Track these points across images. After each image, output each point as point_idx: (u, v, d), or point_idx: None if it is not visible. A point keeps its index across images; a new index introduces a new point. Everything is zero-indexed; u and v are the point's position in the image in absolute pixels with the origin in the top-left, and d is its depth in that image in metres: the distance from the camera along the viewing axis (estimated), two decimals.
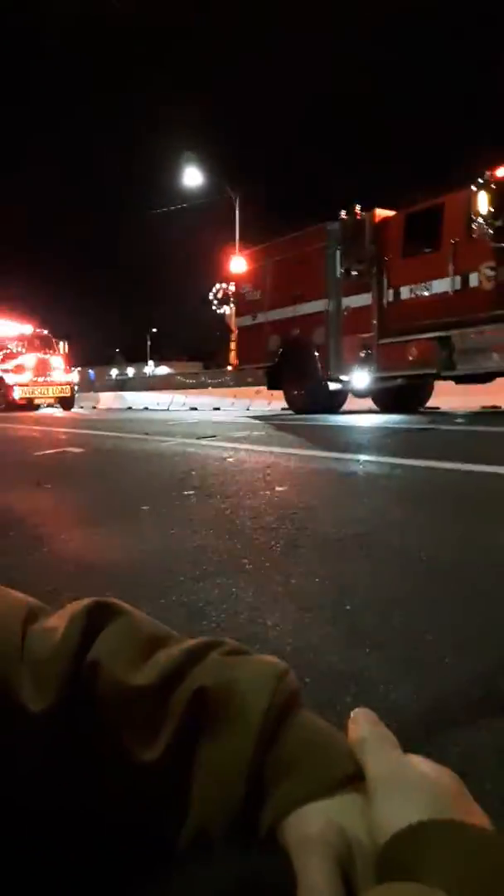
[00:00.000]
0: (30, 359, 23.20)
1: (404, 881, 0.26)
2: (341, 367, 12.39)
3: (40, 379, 22.71)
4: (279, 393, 21.24)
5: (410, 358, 10.94)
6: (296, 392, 13.53)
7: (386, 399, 12.92)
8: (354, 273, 11.74)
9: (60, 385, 23.14)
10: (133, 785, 0.36)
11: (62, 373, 23.63)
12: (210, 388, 25.08)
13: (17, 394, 21.96)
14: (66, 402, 23.47)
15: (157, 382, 31.02)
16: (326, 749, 0.36)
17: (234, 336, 15.99)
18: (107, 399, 28.37)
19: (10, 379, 22.25)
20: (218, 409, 20.84)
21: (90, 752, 0.38)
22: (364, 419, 10.66)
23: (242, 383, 23.89)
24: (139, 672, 0.40)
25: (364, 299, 11.74)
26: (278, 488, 3.99)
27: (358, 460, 5.24)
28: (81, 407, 25.53)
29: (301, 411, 13.15)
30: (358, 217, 11.70)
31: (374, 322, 11.53)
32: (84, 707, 0.39)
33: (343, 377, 12.47)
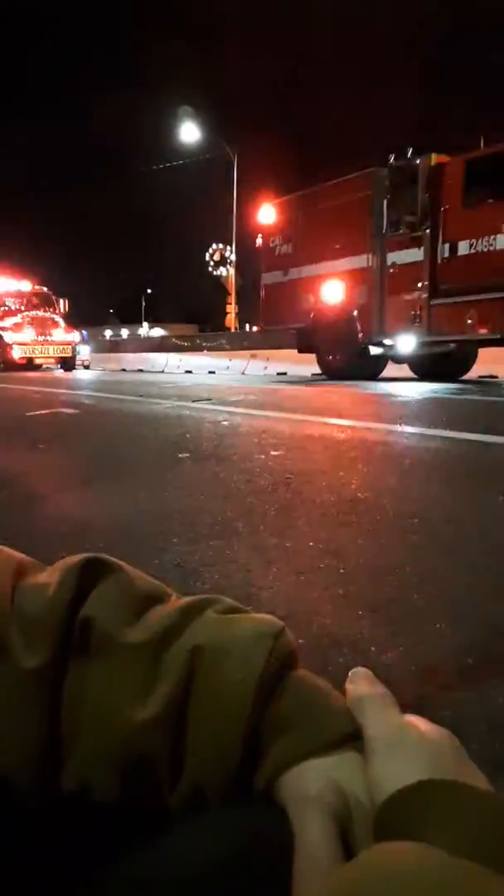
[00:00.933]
0: (29, 316, 22.18)
1: (403, 840, 0.25)
2: (384, 329, 11.08)
3: (41, 338, 21.61)
4: (278, 355, 20.65)
5: (469, 321, 9.71)
6: (331, 356, 12.16)
7: (426, 365, 11.63)
8: (404, 226, 10.40)
9: (62, 345, 22.12)
10: (127, 743, 0.35)
11: (63, 332, 22.51)
12: (205, 351, 24.83)
13: (17, 353, 20.94)
14: (67, 363, 22.58)
15: (152, 344, 30.77)
16: (324, 708, 0.35)
17: (261, 294, 14.04)
18: (100, 359, 28.07)
19: (8, 337, 21.18)
20: (213, 372, 20.73)
21: (83, 709, 0.37)
22: (411, 387, 9.74)
23: (237, 346, 23.72)
24: (133, 629, 0.39)
25: (414, 255, 10.44)
26: (273, 453, 3.98)
27: (374, 428, 5.24)
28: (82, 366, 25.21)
29: (336, 377, 11.86)
30: (411, 163, 10.34)
31: (426, 280, 10.29)
32: (77, 664, 0.38)
33: (386, 341, 11.15)
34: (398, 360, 11.85)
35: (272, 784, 0.33)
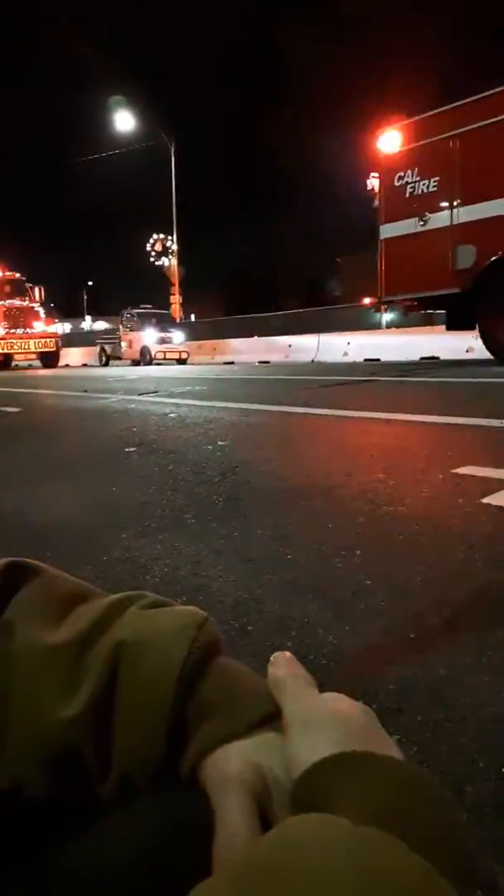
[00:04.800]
0: (4, 307, 19.53)
1: (313, 813, 0.27)
2: None
3: (18, 331, 19.22)
4: (226, 347, 20.24)
5: None
6: None
7: None
8: None
9: (43, 338, 19.84)
10: (54, 741, 0.36)
11: (44, 324, 20.25)
12: None
13: None
14: (49, 358, 20.47)
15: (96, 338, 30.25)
16: (245, 692, 0.37)
17: (379, 254, 10.11)
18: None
19: None
20: (159, 363, 20.58)
21: (9, 712, 0.37)
22: None
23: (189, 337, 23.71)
24: (56, 630, 0.39)
25: None
26: (220, 443, 3.99)
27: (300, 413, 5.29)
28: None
29: None
30: None
31: None
32: (0, 669, 0.38)
33: None
34: None
35: (196, 769, 0.35)
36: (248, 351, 19.91)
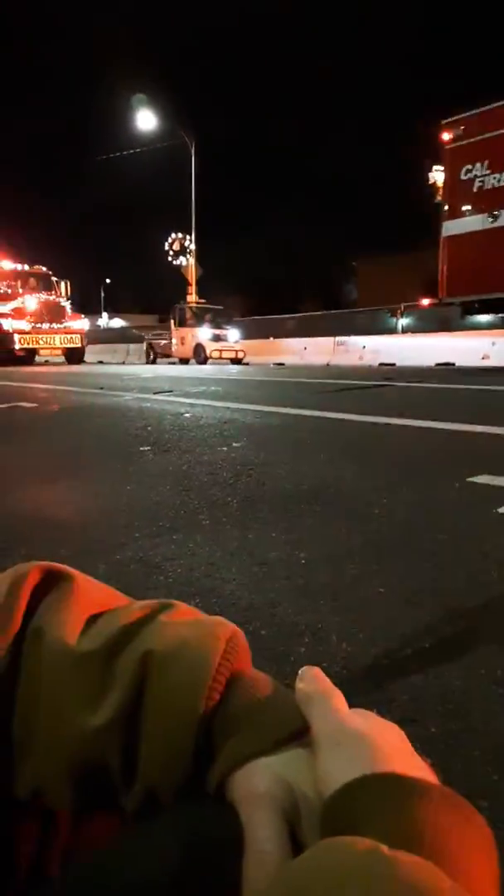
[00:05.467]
0: (31, 301, 18.63)
1: (348, 835, 0.26)
2: None
3: (45, 326, 18.35)
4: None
5: None
6: None
7: None
8: None
9: (69, 333, 18.88)
10: (80, 751, 0.36)
11: (70, 319, 19.32)
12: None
13: (18, 342, 17.79)
14: (74, 354, 19.58)
15: (113, 336, 30.32)
16: (274, 706, 0.36)
17: (441, 252, 9.63)
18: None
19: (8, 325, 17.72)
20: (174, 362, 20.62)
21: (35, 719, 0.37)
22: None
23: None
24: (85, 638, 0.39)
25: None
26: (235, 444, 3.99)
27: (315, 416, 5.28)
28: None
29: None
30: None
31: None
32: (29, 675, 0.38)
33: None
34: None
35: (223, 784, 0.34)
36: (264, 352, 19.95)
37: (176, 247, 28.67)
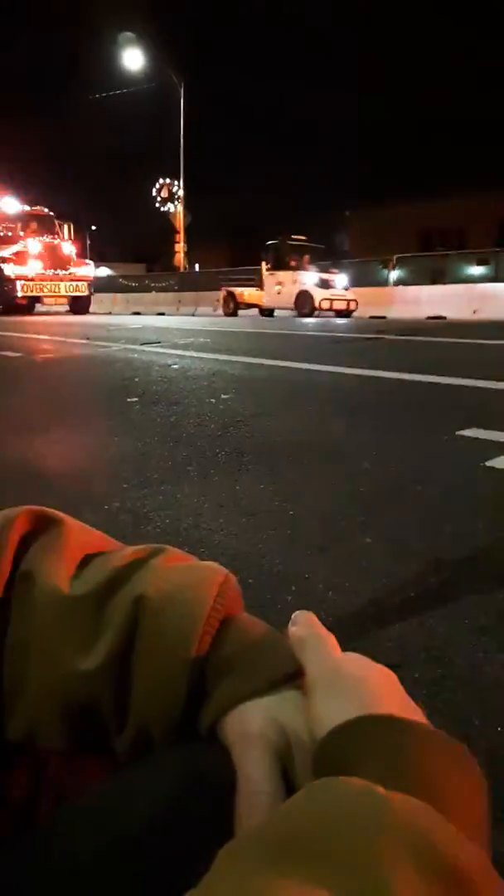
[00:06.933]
0: (35, 244, 16.68)
1: (340, 776, 0.26)
2: None
3: (49, 272, 16.48)
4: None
5: None
6: None
7: None
8: None
9: (75, 281, 16.99)
10: (71, 693, 0.36)
11: (76, 265, 17.39)
12: (154, 293, 24.12)
13: (21, 290, 16.04)
14: (80, 304, 17.63)
15: (99, 284, 29.67)
16: (267, 648, 0.36)
17: None
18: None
19: (10, 270, 15.97)
20: (163, 313, 20.25)
21: (26, 662, 0.37)
22: None
23: (186, 287, 23.11)
24: (76, 581, 0.39)
25: None
26: (224, 396, 3.96)
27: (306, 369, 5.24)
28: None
29: None
30: None
31: None
32: (19, 619, 0.38)
33: None
34: None
35: (216, 724, 0.34)
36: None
37: (164, 193, 27.94)
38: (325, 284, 16.02)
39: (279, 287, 16.75)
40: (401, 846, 0.22)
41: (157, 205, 28.05)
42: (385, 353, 6.81)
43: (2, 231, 17.44)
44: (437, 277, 18.75)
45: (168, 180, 27.83)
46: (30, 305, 17.01)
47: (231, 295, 18.77)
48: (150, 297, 23.75)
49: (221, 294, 19.16)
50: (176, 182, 27.27)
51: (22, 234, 17.42)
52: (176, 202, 27.20)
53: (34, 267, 16.21)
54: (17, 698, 0.37)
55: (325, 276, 16.27)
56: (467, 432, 2.88)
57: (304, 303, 15.91)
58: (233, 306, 18.60)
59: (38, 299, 16.88)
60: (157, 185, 28.12)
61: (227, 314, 18.46)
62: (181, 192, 26.85)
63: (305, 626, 0.38)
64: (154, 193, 28.16)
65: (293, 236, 17.64)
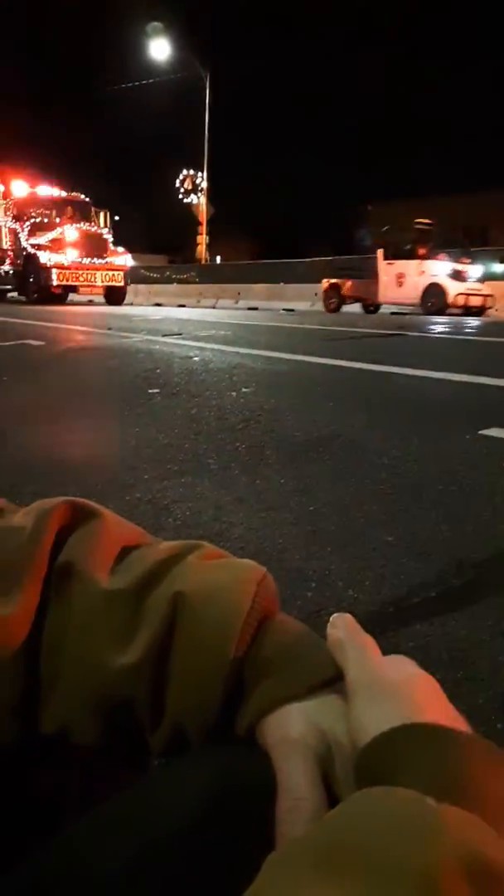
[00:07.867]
0: (72, 231, 16.03)
1: (384, 785, 0.26)
2: None
3: (86, 260, 15.81)
4: (251, 291, 17.58)
5: None
6: None
7: None
8: None
9: (111, 270, 16.29)
10: (107, 689, 0.35)
11: (112, 254, 16.69)
12: (175, 284, 24.12)
13: (57, 278, 15.41)
14: (115, 294, 16.94)
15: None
16: (307, 652, 0.36)
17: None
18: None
19: (45, 258, 15.28)
20: (183, 305, 20.25)
21: (62, 655, 0.37)
22: None
23: (206, 279, 23.08)
24: (114, 576, 0.38)
25: None
26: (244, 389, 3.96)
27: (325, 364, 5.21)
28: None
29: None
30: None
31: None
32: (56, 611, 0.37)
33: None
34: None
35: (254, 727, 0.34)
36: (273, 297, 19.50)
37: (187, 184, 27.92)
38: (458, 276, 13.31)
39: (398, 279, 14.20)
40: (453, 858, 0.21)
41: (181, 196, 28.03)
42: (405, 350, 6.74)
43: (38, 217, 16.74)
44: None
45: (192, 171, 27.80)
46: (63, 295, 16.50)
47: (334, 288, 16.08)
48: (172, 288, 23.73)
49: (323, 286, 16.49)
50: (199, 173, 27.22)
51: (58, 220, 16.75)
52: (199, 194, 27.15)
53: (70, 255, 15.58)
54: (52, 691, 0.37)
55: (459, 266, 13.55)
56: (490, 432, 2.84)
57: (433, 297, 13.39)
58: (337, 301, 16.04)
59: (73, 288, 16.35)
60: (181, 177, 28.10)
61: (329, 311, 15.87)
62: (205, 184, 26.79)
63: (345, 629, 0.37)
64: (177, 184, 28.14)
65: (418, 220, 15.01)
